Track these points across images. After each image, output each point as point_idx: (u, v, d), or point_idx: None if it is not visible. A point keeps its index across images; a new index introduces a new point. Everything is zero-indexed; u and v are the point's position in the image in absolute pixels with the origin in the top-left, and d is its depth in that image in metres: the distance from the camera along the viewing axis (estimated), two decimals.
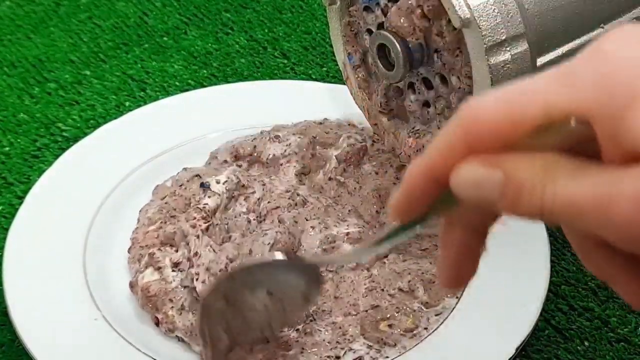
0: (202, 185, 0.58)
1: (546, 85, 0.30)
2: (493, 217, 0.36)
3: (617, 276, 0.34)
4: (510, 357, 0.49)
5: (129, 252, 0.56)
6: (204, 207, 0.56)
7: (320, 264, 0.44)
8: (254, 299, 0.42)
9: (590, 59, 0.30)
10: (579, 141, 0.30)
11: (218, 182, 0.58)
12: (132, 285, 0.53)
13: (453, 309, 0.53)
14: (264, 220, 0.56)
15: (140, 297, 0.52)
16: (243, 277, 0.42)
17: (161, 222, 0.56)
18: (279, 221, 0.56)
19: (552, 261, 0.55)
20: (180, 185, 0.59)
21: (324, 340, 0.51)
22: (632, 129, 0.28)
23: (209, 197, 0.57)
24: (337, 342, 0.51)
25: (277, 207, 0.57)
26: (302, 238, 0.56)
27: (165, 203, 0.58)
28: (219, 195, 0.57)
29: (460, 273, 0.37)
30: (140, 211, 0.58)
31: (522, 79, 0.32)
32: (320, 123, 0.64)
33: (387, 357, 0.50)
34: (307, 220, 0.56)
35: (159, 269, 0.53)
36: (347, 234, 0.56)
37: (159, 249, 0.54)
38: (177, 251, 0.54)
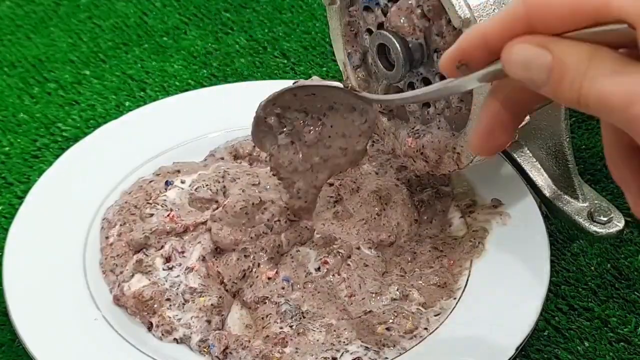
0: (166, 183, 0.59)
1: None
2: (535, 99, 0.37)
3: (631, 182, 0.36)
4: (510, 357, 0.49)
5: (101, 264, 0.56)
6: (163, 202, 0.57)
7: (376, 101, 0.46)
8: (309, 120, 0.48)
9: None
10: (630, 42, 0.32)
11: (183, 182, 0.58)
12: (118, 298, 0.53)
13: (453, 309, 0.53)
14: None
15: (132, 305, 0.52)
16: (302, 96, 0.47)
17: (120, 225, 0.56)
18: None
19: (552, 261, 0.55)
20: (150, 182, 0.59)
21: (318, 340, 0.51)
22: None
23: (169, 189, 0.58)
24: (332, 343, 0.51)
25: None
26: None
27: (125, 202, 0.58)
28: (182, 189, 0.58)
29: (491, 142, 0.38)
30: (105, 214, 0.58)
31: None
32: None
33: (387, 357, 0.50)
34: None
35: (148, 272, 0.54)
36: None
37: (143, 253, 0.55)
38: (161, 248, 0.55)
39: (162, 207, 0.57)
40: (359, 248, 0.56)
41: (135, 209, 0.57)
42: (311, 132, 0.50)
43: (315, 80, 0.50)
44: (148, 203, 0.58)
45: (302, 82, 0.49)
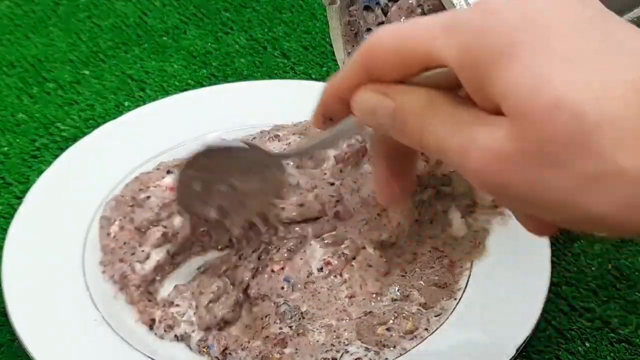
0: (168, 172, 0.58)
1: (433, 29, 0.33)
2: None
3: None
4: (511, 358, 0.49)
5: (101, 263, 0.55)
6: (157, 185, 0.57)
7: (279, 156, 0.46)
8: (221, 182, 0.47)
9: (474, 12, 0.32)
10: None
11: None
12: (125, 275, 0.53)
13: (453, 309, 0.53)
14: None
15: (136, 285, 0.53)
16: (209, 160, 0.46)
17: (120, 220, 0.56)
18: None
19: (552, 261, 0.55)
20: (148, 173, 0.59)
21: (317, 341, 0.51)
22: (494, 85, 0.30)
23: (165, 178, 0.57)
24: (332, 344, 0.51)
25: None
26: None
27: (122, 196, 0.58)
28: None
29: (390, 189, 0.40)
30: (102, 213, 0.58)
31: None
32: None
33: (387, 358, 0.50)
34: None
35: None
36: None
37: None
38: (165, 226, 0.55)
39: (157, 187, 0.57)
40: (364, 248, 0.56)
41: (132, 200, 0.57)
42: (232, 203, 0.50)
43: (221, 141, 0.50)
44: (141, 190, 0.57)
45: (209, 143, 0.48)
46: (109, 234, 0.56)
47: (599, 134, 0.29)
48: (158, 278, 0.54)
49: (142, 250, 0.54)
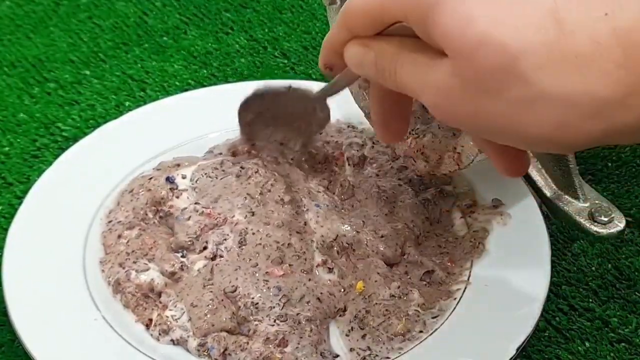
0: (167, 179, 0.58)
1: None
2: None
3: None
4: (511, 358, 0.49)
5: (101, 262, 0.55)
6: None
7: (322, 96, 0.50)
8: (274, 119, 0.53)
9: None
10: None
11: (184, 178, 0.58)
12: (119, 283, 0.53)
13: (453, 309, 0.53)
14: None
15: (131, 293, 0.53)
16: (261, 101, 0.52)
17: (127, 228, 0.56)
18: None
19: (552, 261, 0.55)
20: (150, 179, 0.59)
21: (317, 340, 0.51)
22: (434, 29, 0.35)
23: (177, 197, 0.57)
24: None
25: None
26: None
27: (131, 200, 0.58)
28: (187, 190, 0.57)
29: (390, 129, 0.45)
30: (109, 212, 0.58)
31: None
32: None
33: (388, 357, 0.50)
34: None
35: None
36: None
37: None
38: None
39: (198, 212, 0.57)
40: (376, 252, 0.55)
41: (146, 215, 0.57)
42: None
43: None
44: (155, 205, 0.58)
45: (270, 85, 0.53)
46: (119, 237, 0.56)
47: (521, 62, 0.32)
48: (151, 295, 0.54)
49: (145, 263, 0.54)
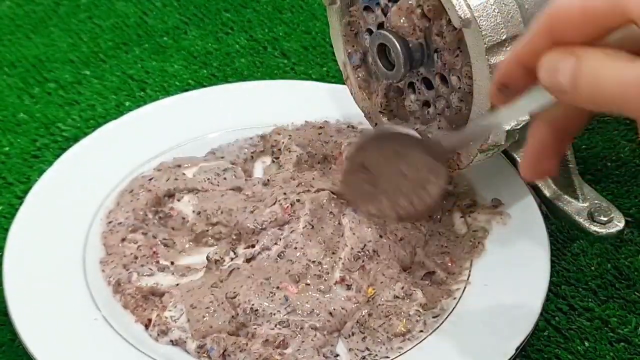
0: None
1: None
2: (577, 123, 0.40)
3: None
4: (511, 357, 0.49)
5: (101, 262, 0.55)
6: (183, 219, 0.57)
7: (450, 147, 0.45)
8: (389, 165, 0.46)
9: None
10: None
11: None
12: (120, 284, 0.53)
13: (453, 309, 0.53)
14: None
15: (130, 294, 0.53)
16: (378, 143, 0.46)
17: (130, 231, 0.57)
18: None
19: (552, 261, 0.55)
20: (150, 179, 0.59)
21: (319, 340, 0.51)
22: None
23: (178, 200, 0.58)
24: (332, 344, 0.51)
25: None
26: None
27: (130, 201, 0.58)
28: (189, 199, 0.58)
29: (538, 167, 0.41)
30: (109, 212, 0.58)
31: None
32: (320, 127, 0.64)
33: (387, 357, 0.50)
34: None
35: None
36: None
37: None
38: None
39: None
40: (398, 258, 0.55)
41: (144, 215, 0.58)
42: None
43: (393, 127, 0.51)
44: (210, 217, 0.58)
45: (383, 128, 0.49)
46: (123, 240, 0.56)
47: None
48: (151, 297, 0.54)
49: (150, 269, 0.54)
